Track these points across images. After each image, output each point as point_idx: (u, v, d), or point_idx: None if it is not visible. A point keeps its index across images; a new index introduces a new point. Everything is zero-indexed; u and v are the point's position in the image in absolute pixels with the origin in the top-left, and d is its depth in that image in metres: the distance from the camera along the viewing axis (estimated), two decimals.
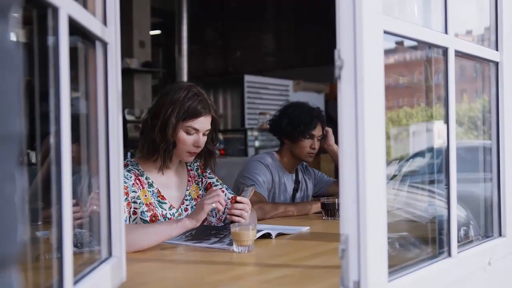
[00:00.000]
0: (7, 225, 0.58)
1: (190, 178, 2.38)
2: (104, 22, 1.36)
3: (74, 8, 1.09)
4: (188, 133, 2.20)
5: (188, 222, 1.98)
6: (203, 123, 2.22)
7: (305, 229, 2.36)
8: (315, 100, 6.99)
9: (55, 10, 1.00)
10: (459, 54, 1.58)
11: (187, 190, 2.35)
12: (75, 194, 1.08)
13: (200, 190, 2.39)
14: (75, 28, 1.12)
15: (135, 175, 2.18)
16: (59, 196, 1.02)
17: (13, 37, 0.59)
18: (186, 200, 2.33)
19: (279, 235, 2.19)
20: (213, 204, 1.99)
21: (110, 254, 1.38)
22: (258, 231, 2.03)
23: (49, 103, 1.04)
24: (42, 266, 1.30)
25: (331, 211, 2.66)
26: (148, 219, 2.16)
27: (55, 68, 1.02)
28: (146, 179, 2.22)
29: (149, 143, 2.21)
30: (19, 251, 0.61)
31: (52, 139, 1.03)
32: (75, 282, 1.10)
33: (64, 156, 1.02)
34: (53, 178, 1.02)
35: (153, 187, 2.23)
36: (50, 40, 1.03)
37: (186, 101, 2.18)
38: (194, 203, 2.34)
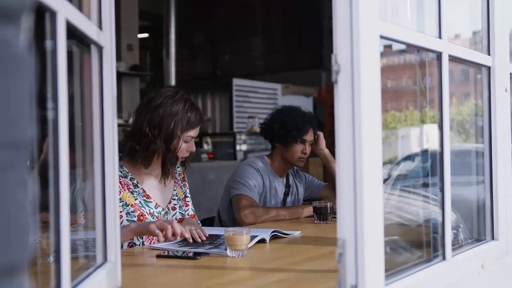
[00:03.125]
0: (20, 231, 0.58)
1: (176, 180, 2.48)
2: (100, 26, 1.35)
3: (72, 12, 1.08)
4: (185, 141, 2.32)
5: (133, 226, 2.03)
6: (198, 130, 2.37)
7: (297, 233, 2.36)
8: (304, 103, 7.00)
9: (53, 14, 0.99)
10: (452, 59, 1.59)
11: (174, 190, 2.45)
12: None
13: (183, 193, 2.50)
14: (71, 32, 1.12)
15: None
16: (56, 201, 1.01)
17: (24, 41, 0.59)
18: (174, 199, 2.43)
19: (274, 237, 2.19)
20: (157, 231, 1.95)
21: (105, 259, 1.37)
22: (253, 236, 2.03)
23: (44, 107, 1.03)
24: (36, 271, 1.29)
25: (323, 215, 2.66)
26: (135, 218, 2.23)
27: (53, 72, 1.01)
28: (130, 180, 2.29)
29: (151, 154, 2.28)
30: (30, 257, 0.60)
31: (49, 143, 1.02)
32: None
33: (61, 160, 1.01)
34: (50, 183, 1.02)
35: (139, 187, 2.30)
36: (47, 44, 1.03)
37: (187, 113, 2.29)
38: (181, 203, 2.46)
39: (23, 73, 0.57)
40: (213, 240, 2.14)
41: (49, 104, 1.02)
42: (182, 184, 2.51)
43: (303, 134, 3.01)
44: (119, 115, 7.06)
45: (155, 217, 2.29)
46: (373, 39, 1.21)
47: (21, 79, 0.57)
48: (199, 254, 1.88)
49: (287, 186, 3.17)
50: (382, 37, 1.26)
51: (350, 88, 1.17)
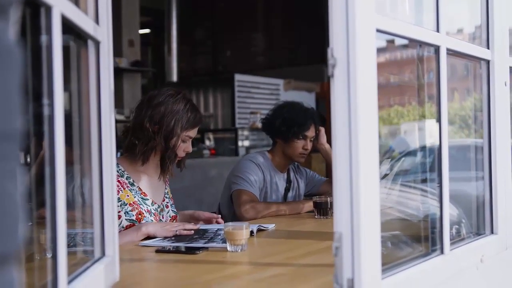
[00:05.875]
0: (9, 222, 0.58)
1: (166, 179, 2.52)
2: (97, 21, 1.35)
3: (67, 7, 1.08)
4: (183, 141, 2.34)
5: (145, 228, 2.13)
6: (196, 131, 2.40)
7: (272, 226, 2.40)
8: (306, 99, 6.99)
9: (48, 8, 1.00)
10: (450, 52, 1.59)
11: (166, 188, 2.49)
12: (66, 195, 1.08)
13: (171, 193, 2.55)
14: (67, 27, 1.12)
15: None
16: (53, 196, 1.01)
17: (13, 36, 0.59)
18: (166, 197, 2.47)
19: (259, 230, 2.24)
20: (177, 232, 2.16)
21: (103, 253, 1.37)
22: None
23: (40, 103, 1.03)
24: (34, 266, 1.29)
25: (323, 209, 2.66)
26: (134, 217, 2.26)
27: (48, 67, 1.01)
28: (126, 178, 2.32)
29: (150, 150, 2.30)
30: (20, 248, 0.61)
31: (44, 140, 1.03)
32: (69, 282, 1.10)
33: (57, 156, 1.01)
34: (46, 178, 1.02)
35: (135, 185, 2.33)
36: (43, 38, 1.03)
37: (187, 113, 2.32)
38: (172, 202, 2.50)
39: (11, 66, 0.58)
40: (202, 234, 2.15)
41: (45, 101, 1.02)
42: (169, 184, 2.57)
43: (304, 130, 3.01)
44: (121, 112, 7.07)
45: (152, 215, 2.31)
46: (369, 32, 1.21)
47: (9, 72, 0.57)
48: (198, 248, 1.88)
49: (288, 181, 3.17)
50: (378, 30, 1.26)
51: (346, 82, 1.17)
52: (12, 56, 0.57)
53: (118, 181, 2.26)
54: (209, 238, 2.07)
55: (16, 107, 0.58)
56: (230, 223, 1.95)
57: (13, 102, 0.57)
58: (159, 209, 2.38)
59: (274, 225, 2.42)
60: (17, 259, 0.60)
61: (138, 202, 2.29)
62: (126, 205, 2.25)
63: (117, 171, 2.28)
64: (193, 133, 2.36)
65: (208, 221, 2.45)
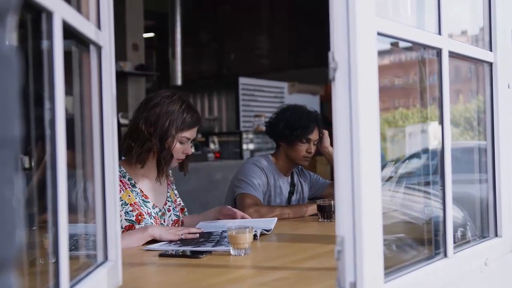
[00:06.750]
0: (6, 228, 0.58)
1: (169, 182, 2.52)
2: (98, 26, 1.35)
3: (68, 12, 1.09)
4: (181, 142, 2.34)
5: (150, 230, 2.12)
6: (194, 132, 2.39)
7: (274, 220, 2.43)
8: (310, 102, 7.00)
9: (49, 14, 1.00)
10: (453, 55, 1.59)
11: (168, 192, 2.49)
12: (70, 199, 1.08)
13: (175, 196, 2.54)
14: (69, 32, 1.12)
15: None
16: (54, 201, 1.01)
17: (10, 41, 0.59)
18: (168, 201, 2.47)
19: (262, 234, 2.23)
20: (182, 236, 2.14)
21: (106, 258, 1.38)
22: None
23: (43, 107, 1.03)
24: (38, 271, 1.30)
25: (327, 213, 2.65)
26: (134, 218, 2.26)
27: (50, 72, 1.02)
28: (128, 180, 2.33)
29: (146, 151, 2.31)
30: (18, 254, 0.61)
31: (47, 144, 1.03)
32: (71, 286, 1.10)
33: (59, 161, 1.02)
34: (48, 183, 1.02)
35: (136, 187, 2.34)
36: (44, 44, 1.03)
37: (183, 113, 2.32)
38: (174, 205, 2.49)
39: (9, 72, 0.58)
40: (207, 238, 2.14)
41: (47, 105, 1.02)
42: (173, 187, 2.56)
43: (307, 133, 3.01)
44: (125, 116, 7.07)
45: (152, 217, 2.31)
46: (370, 35, 1.21)
47: (7, 79, 0.58)
48: (202, 252, 1.88)
49: (292, 184, 3.16)
50: (379, 33, 1.26)
51: (347, 85, 1.17)
52: (10, 62, 0.58)
53: (120, 181, 2.27)
54: (215, 241, 2.07)
55: (14, 113, 0.58)
56: (233, 227, 1.95)
57: (11, 109, 0.57)
58: (160, 213, 2.38)
59: (276, 218, 2.44)
60: (15, 264, 0.60)
61: (139, 204, 2.29)
62: (127, 205, 2.26)
63: (120, 172, 2.29)
64: (190, 134, 2.35)
65: (232, 217, 2.47)
